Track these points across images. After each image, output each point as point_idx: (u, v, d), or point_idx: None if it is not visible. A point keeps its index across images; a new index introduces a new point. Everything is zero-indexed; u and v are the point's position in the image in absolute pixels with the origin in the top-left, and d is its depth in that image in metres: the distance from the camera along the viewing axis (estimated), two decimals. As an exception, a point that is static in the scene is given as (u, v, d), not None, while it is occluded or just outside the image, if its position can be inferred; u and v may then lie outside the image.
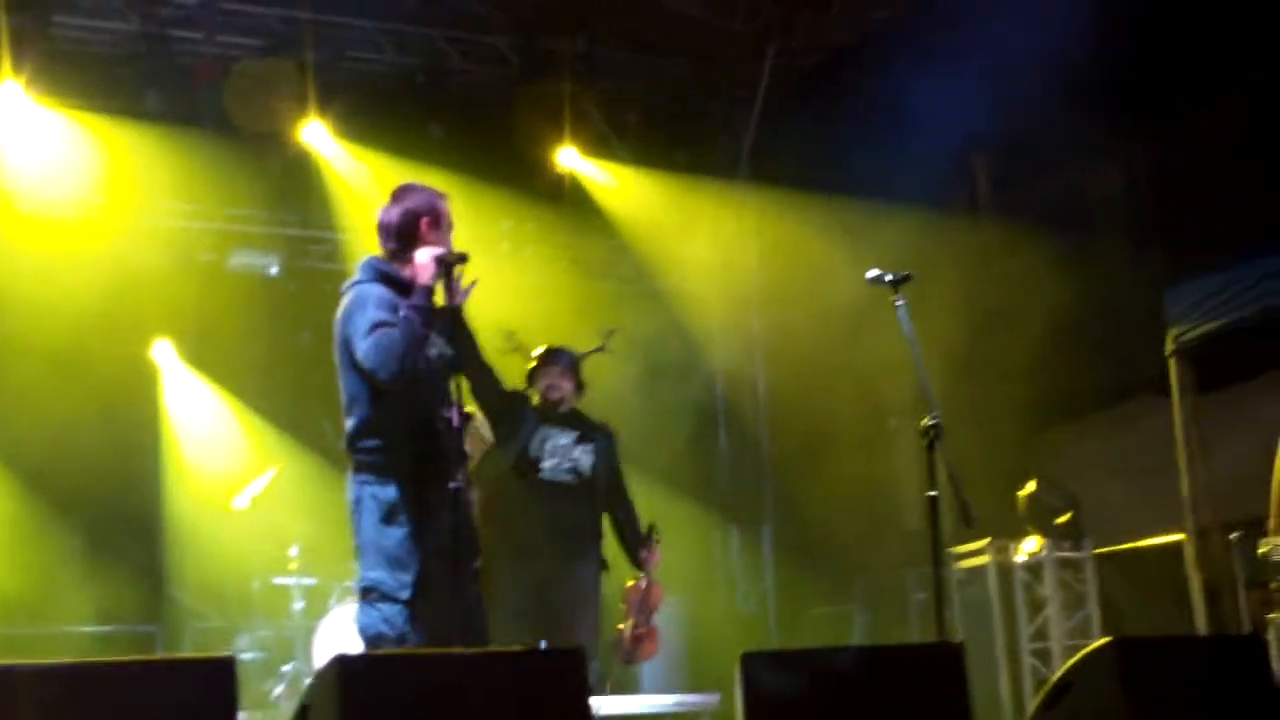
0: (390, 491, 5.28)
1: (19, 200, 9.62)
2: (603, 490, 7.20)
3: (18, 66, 9.13)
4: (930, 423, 5.56)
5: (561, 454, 7.09)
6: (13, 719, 3.52)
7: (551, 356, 7.26)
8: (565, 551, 7.02)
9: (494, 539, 6.58)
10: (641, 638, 7.50)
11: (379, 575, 5.23)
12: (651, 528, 7.36)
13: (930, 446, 5.57)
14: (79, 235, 9.77)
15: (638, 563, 7.38)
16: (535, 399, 7.21)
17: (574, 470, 7.09)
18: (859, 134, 9.28)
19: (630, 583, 7.51)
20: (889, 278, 5.72)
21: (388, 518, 5.26)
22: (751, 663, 4.33)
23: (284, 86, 9.90)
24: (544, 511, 6.97)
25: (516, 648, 5.26)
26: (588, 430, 7.23)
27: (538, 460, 7.03)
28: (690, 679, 9.66)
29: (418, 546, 5.23)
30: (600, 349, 7.46)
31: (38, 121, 9.43)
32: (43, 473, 9.13)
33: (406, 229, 5.43)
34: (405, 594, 5.19)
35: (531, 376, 7.25)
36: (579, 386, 7.32)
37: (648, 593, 7.44)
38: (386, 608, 5.20)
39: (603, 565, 7.18)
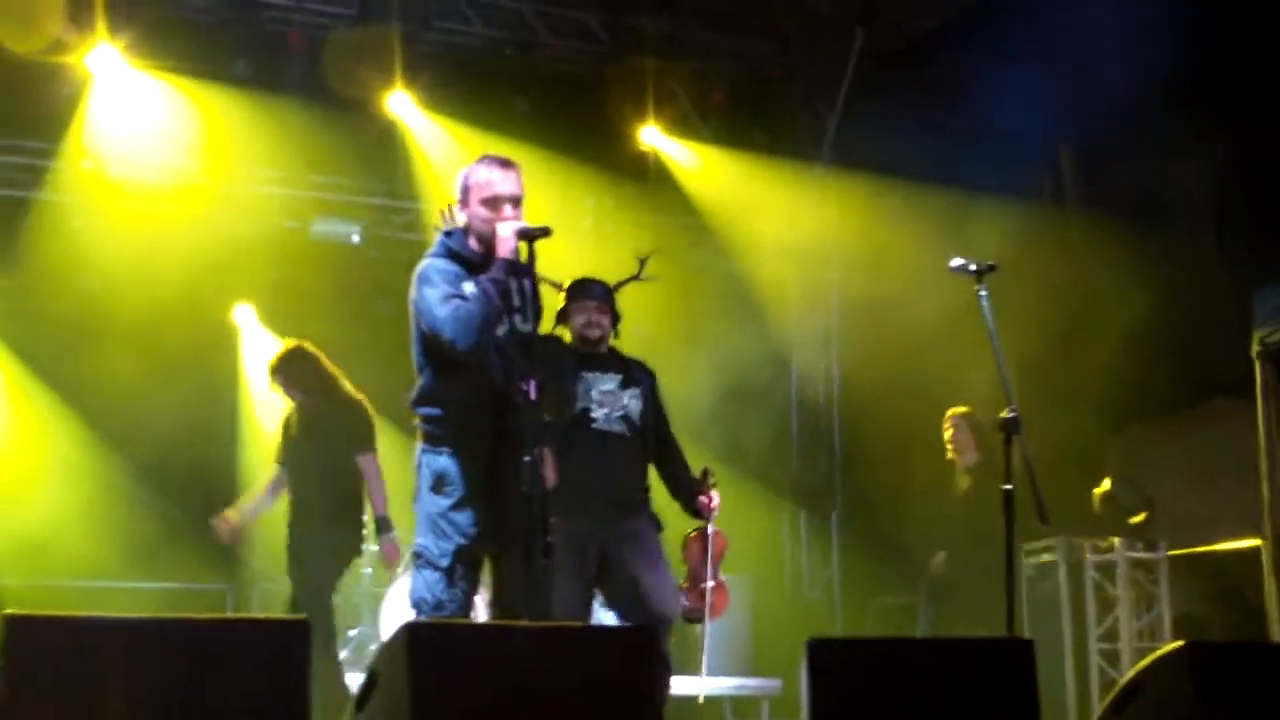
0: (441, 460, 5.33)
1: (111, 163, 9.75)
2: (651, 438, 6.41)
3: (114, 30, 9.23)
4: (1008, 415, 5.53)
5: (611, 401, 6.29)
6: (98, 667, 3.60)
7: (584, 289, 6.40)
8: (624, 510, 6.25)
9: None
10: (708, 592, 6.76)
11: (425, 541, 5.32)
12: (706, 471, 6.54)
13: (1007, 440, 5.55)
14: (167, 199, 9.94)
15: (695, 510, 6.53)
16: (568, 339, 6.42)
17: (625, 418, 6.28)
18: (943, 121, 9.20)
19: (691, 533, 6.82)
20: (973, 267, 5.68)
21: (436, 486, 5.32)
22: (818, 649, 4.32)
23: (372, 56, 9.94)
24: (598, 467, 6.14)
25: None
26: (631, 371, 6.42)
27: (588, 410, 6.22)
28: (752, 663, 9.65)
29: (466, 516, 5.28)
30: (636, 277, 6.58)
31: (130, 85, 9.53)
32: (125, 433, 9.31)
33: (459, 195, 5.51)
34: (445, 562, 5.25)
35: (563, 314, 6.41)
36: (616, 320, 6.47)
37: (713, 542, 6.72)
38: (429, 574, 5.28)
39: (659, 525, 6.41)
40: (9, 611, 3.56)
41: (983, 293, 5.64)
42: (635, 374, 6.41)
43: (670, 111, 10.82)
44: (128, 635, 3.74)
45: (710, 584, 6.77)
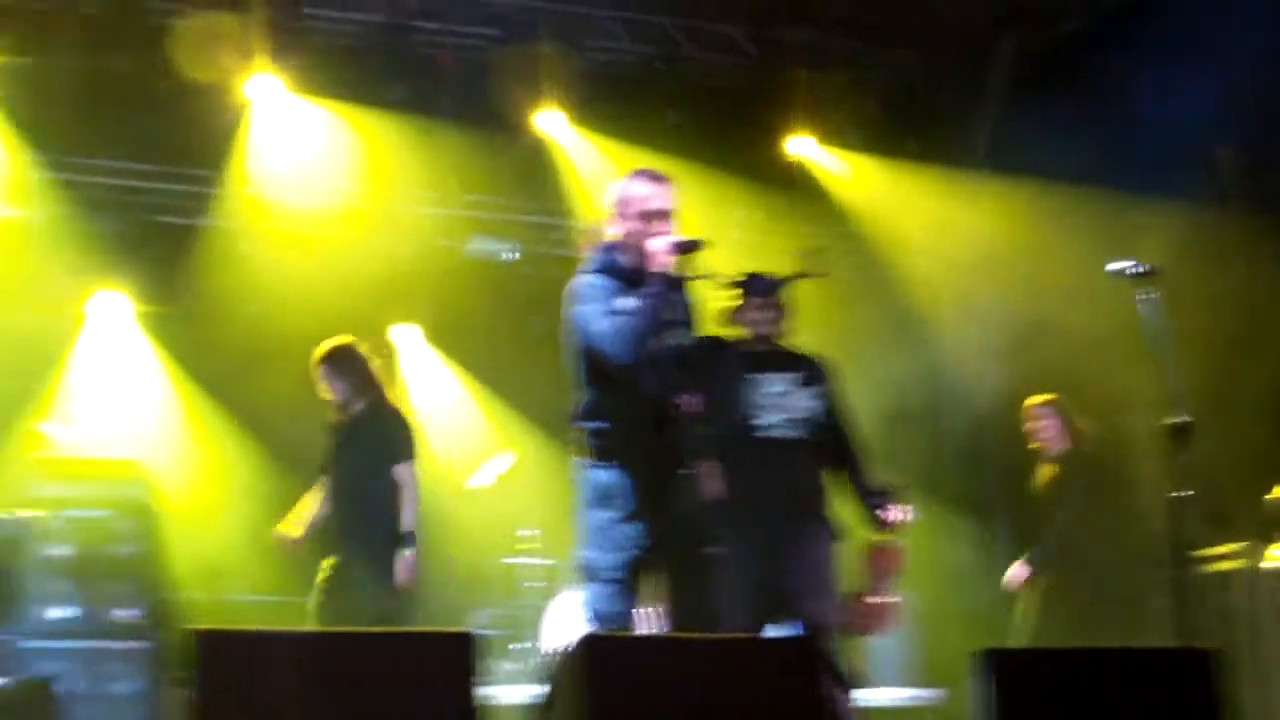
0: (605, 475, 5.37)
1: (271, 188, 10.01)
2: (830, 439, 6.20)
3: (272, 58, 9.48)
4: (1177, 420, 5.42)
5: (780, 404, 6.11)
6: (280, 678, 3.72)
7: (754, 284, 6.23)
8: (800, 521, 6.09)
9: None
10: (875, 607, 6.45)
11: (593, 555, 5.36)
12: (896, 486, 6.26)
13: (1176, 445, 5.43)
14: (326, 222, 10.16)
15: (878, 521, 6.23)
16: (739, 338, 6.24)
17: (799, 420, 6.10)
18: (1099, 121, 9.05)
19: (871, 543, 6.47)
20: (1132, 270, 5.59)
21: (600, 500, 5.36)
22: (989, 659, 4.28)
23: (522, 75, 10.07)
24: (767, 473, 6.00)
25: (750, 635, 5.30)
26: (805, 368, 6.20)
27: (752, 416, 6.09)
28: (916, 674, 9.56)
29: (633, 529, 5.30)
30: (804, 274, 6.34)
31: (289, 111, 9.78)
32: (294, 453, 9.52)
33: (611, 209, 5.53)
34: (616, 575, 5.29)
35: (732, 313, 6.26)
36: (785, 315, 6.26)
37: (885, 556, 6.37)
38: (598, 587, 5.31)
39: (835, 534, 6.21)
40: (199, 627, 3.69)
41: (1144, 296, 5.54)
42: (812, 371, 6.19)
43: (819, 121, 10.79)
44: (308, 649, 3.87)
45: (879, 599, 6.49)
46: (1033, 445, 8.66)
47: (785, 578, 5.96)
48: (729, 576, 5.47)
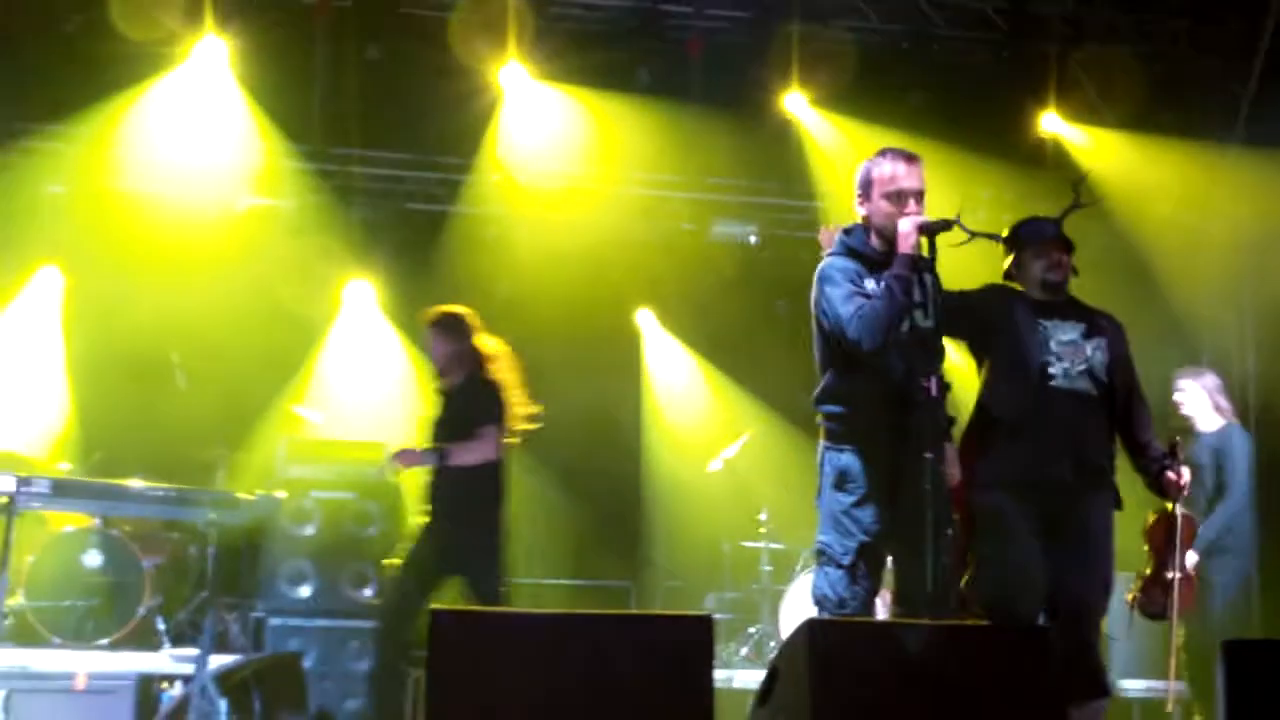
0: (845, 458, 5.33)
1: (521, 174, 10.20)
2: (1120, 396, 5.70)
3: (520, 46, 9.65)
4: None
5: (1073, 354, 5.64)
6: (518, 658, 3.79)
7: (1038, 229, 5.79)
8: (1085, 482, 5.60)
9: (992, 473, 5.59)
10: (1172, 585, 5.95)
11: (828, 539, 5.32)
12: (1175, 444, 5.75)
13: None
14: (573, 206, 10.31)
15: (1161, 488, 5.74)
16: (1027, 287, 5.78)
17: (1089, 372, 5.62)
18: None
19: (1152, 518, 6.05)
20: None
21: (839, 483, 5.33)
22: (1236, 651, 4.14)
23: (769, 56, 10.04)
24: (1060, 431, 5.55)
25: (983, 623, 5.21)
26: (1095, 320, 5.77)
27: (1046, 365, 5.60)
28: (1161, 665, 9.24)
29: (869, 514, 5.26)
30: (1076, 205, 5.84)
31: (538, 98, 9.94)
32: (541, 436, 9.68)
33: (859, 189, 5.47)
34: (847, 559, 5.25)
35: (1016, 263, 5.82)
36: (1069, 259, 5.78)
37: (1182, 528, 5.92)
38: (832, 571, 5.28)
39: (1117, 499, 5.73)
40: (435, 608, 3.79)
41: None
42: (1100, 323, 5.75)
43: (1073, 97, 10.50)
44: (545, 630, 3.94)
45: (1177, 575, 6.02)
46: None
47: (1059, 544, 5.51)
48: (1014, 530, 5.38)
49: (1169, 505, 5.83)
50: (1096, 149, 10.45)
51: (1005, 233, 5.83)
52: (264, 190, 10.15)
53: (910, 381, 5.20)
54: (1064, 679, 5.26)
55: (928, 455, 5.00)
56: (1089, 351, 5.64)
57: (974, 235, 5.41)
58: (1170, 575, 6.03)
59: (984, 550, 5.54)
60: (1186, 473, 5.67)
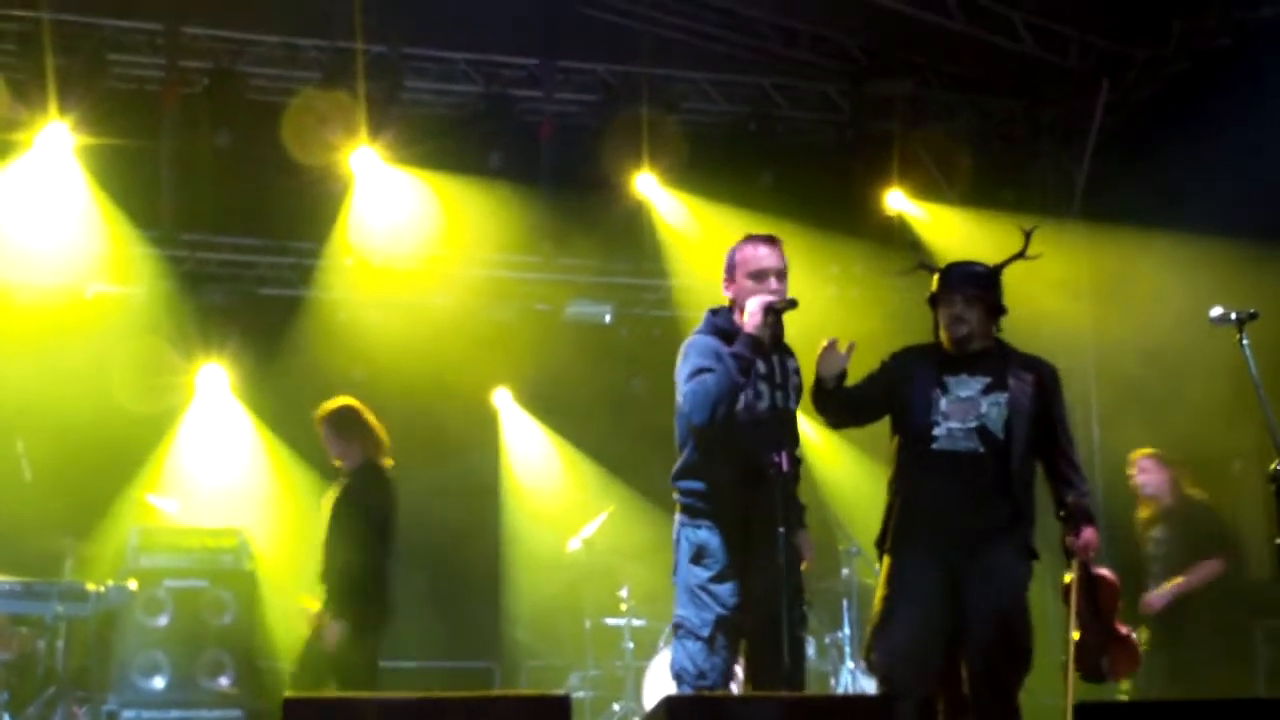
0: (701, 533, 5.40)
1: (373, 257, 10.17)
2: (1021, 448, 5.52)
3: (371, 131, 9.67)
4: (1277, 467, 5.31)
5: (964, 412, 5.52)
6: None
7: (953, 277, 5.63)
8: (978, 542, 5.49)
9: (893, 540, 5.59)
10: (1100, 649, 5.76)
11: (686, 613, 5.38)
12: (1073, 504, 5.57)
13: (1278, 492, 5.32)
14: (427, 288, 10.30)
15: (1065, 548, 5.65)
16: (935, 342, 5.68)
17: (982, 431, 5.50)
18: (1198, 166, 8.94)
19: (1089, 574, 5.78)
20: (1234, 316, 5.51)
21: (696, 558, 5.39)
22: (1086, 715, 4.23)
23: (619, 139, 10.16)
24: (944, 496, 5.50)
25: (857, 693, 5.27)
26: (1007, 371, 5.57)
27: (931, 427, 5.52)
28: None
29: (726, 588, 5.32)
30: (1021, 254, 5.66)
31: (389, 182, 9.95)
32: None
33: (725, 273, 5.58)
34: (705, 631, 5.30)
35: (932, 301, 5.71)
36: (996, 312, 5.62)
37: (1094, 589, 5.76)
38: (690, 644, 5.33)
39: (1031, 554, 5.57)
40: (287, 694, 3.73)
41: (1245, 342, 5.46)
42: (1010, 376, 5.55)
43: (915, 175, 10.77)
44: (399, 715, 3.88)
45: (1099, 639, 5.80)
46: (1139, 496, 8.47)
47: (964, 607, 5.45)
48: (908, 596, 5.39)
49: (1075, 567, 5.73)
50: (939, 225, 10.70)
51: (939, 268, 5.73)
52: (113, 277, 10.00)
53: (760, 458, 5.28)
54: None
55: (780, 530, 5.07)
56: (984, 408, 5.50)
57: (919, 267, 5.55)
58: (1095, 639, 5.84)
59: (879, 619, 5.58)
60: (1087, 534, 5.55)
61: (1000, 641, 5.45)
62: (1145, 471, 8.39)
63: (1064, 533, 5.62)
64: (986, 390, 5.53)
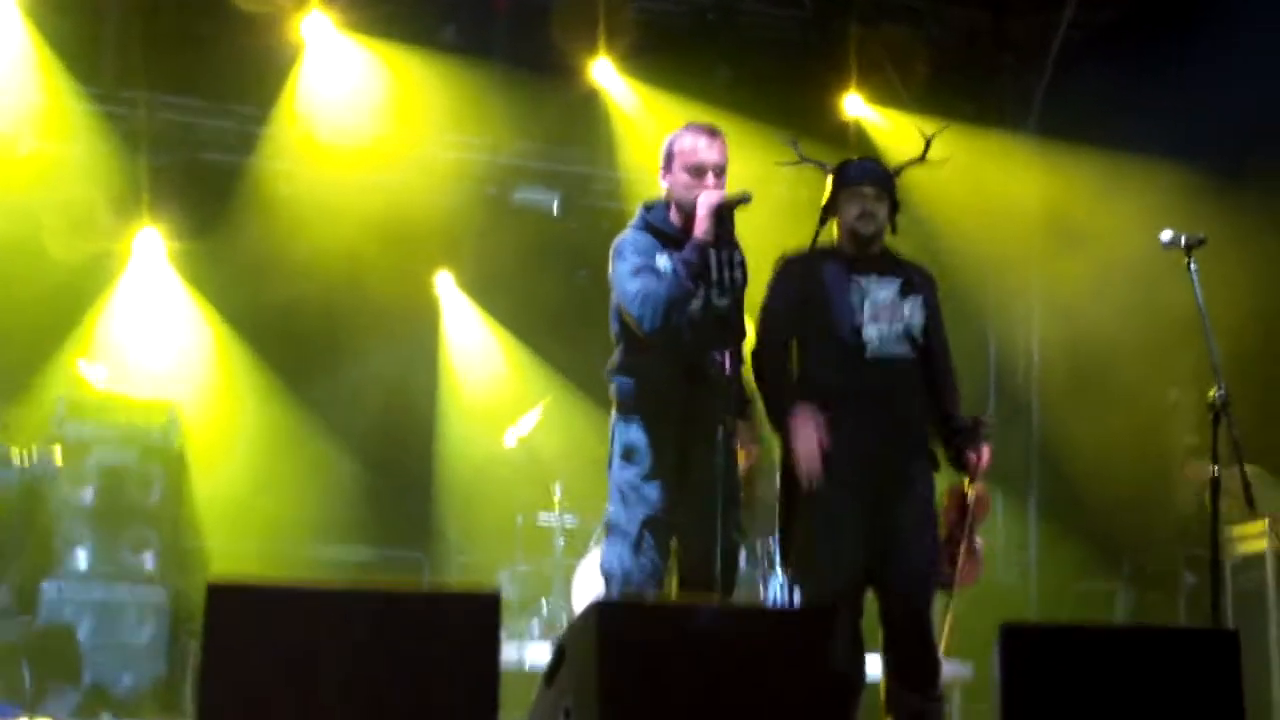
0: (632, 431, 5.35)
1: (319, 130, 9.96)
2: (927, 360, 5.44)
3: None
4: (1216, 396, 5.31)
5: (888, 314, 5.33)
6: (283, 635, 3.69)
7: (857, 170, 5.46)
8: (907, 454, 5.39)
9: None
10: (959, 558, 5.73)
11: (615, 511, 5.35)
12: (979, 421, 5.51)
13: (1215, 421, 5.32)
14: (372, 165, 10.11)
15: (961, 463, 5.51)
16: (835, 237, 5.47)
17: (907, 334, 5.35)
18: (1157, 91, 8.93)
19: (952, 488, 5.74)
20: (1183, 240, 5.49)
21: (626, 456, 5.35)
22: (1011, 635, 4.24)
23: (577, 22, 9.98)
24: (878, 404, 5.30)
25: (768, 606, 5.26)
26: (910, 275, 5.44)
27: (859, 328, 5.30)
28: (945, 648, 9.48)
29: (654, 488, 5.27)
30: (922, 159, 5.54)
31: (340, 51, 9.73)
32: (327, 398, 9.51)
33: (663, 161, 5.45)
34: (633, 531, 5.26)
35: (830, 204, 5.46)
36: (895, 210, 5.46)
37: (976, 503, 5.62)
38: (618, 544, 5.30)
39: (934, 463, 5.50)
40: (212, 579, 3.66)
41: (1193, 267, 5.44)
42: (915, 278, 5.44)
43: (874, 79, 10.65)
44: (324, 603, 3.83)
45: (965, 548, 5.72)
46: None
47: (884, 518, 5.29)
48: (835, 521, 5.20)
49: (965, 481, 5.64)
50: (896, 131, 10.61)
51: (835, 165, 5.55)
52: (50, 134, 9.74)
53: (703, 358, 5.21)
54: (894, 655, 5.35)
55: (716, 433, 5.02)
56: (906, 311, 5.35)
57: (803, 160, 5.40)
58: (960, 548, 5.74)
59: (799, 534, 5.36)
60: (987, 451, 5.49)
61: (920, 552, 5.39)
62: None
63: (960, 445, 5.48)
64: (903, 293, 5.38)
